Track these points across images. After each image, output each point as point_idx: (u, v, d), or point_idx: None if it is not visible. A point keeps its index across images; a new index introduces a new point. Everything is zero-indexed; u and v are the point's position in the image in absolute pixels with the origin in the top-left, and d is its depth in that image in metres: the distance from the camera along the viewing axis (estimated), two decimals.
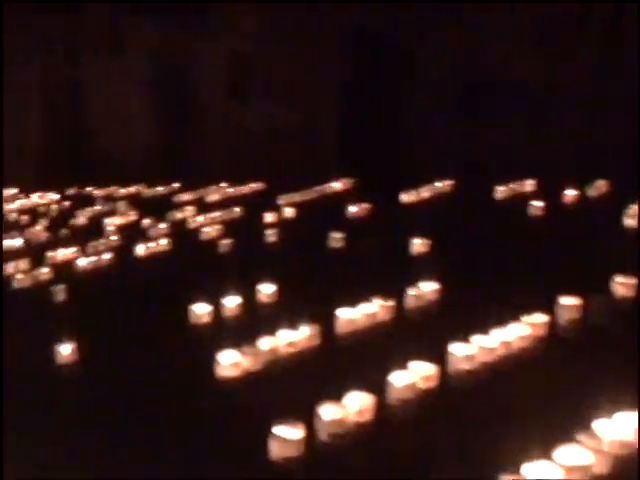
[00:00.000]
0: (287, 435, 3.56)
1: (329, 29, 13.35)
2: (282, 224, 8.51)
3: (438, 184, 9.63)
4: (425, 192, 9.39)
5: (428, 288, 5.53)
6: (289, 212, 9.08)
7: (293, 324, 4.85)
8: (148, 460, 3.67)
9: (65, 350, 5.08)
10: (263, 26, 14.27)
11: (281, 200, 9.73)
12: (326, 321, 4.97)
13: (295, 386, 4.21)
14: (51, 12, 18.95)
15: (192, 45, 15.54)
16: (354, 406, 3.81)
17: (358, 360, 4.46)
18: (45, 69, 19.91)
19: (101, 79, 18.11)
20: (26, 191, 17.21)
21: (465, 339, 4.41)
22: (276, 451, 3.56)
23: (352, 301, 5.20)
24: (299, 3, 13.50)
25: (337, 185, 10.56)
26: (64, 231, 10.25)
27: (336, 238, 7.32)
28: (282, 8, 13.67)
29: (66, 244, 8.95)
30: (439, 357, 4.27)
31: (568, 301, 4.83)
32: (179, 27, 15.66)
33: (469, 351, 4.34)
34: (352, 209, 8.67)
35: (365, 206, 8.70)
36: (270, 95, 14.00)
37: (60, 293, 6.80)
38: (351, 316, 5.07)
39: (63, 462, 3.72)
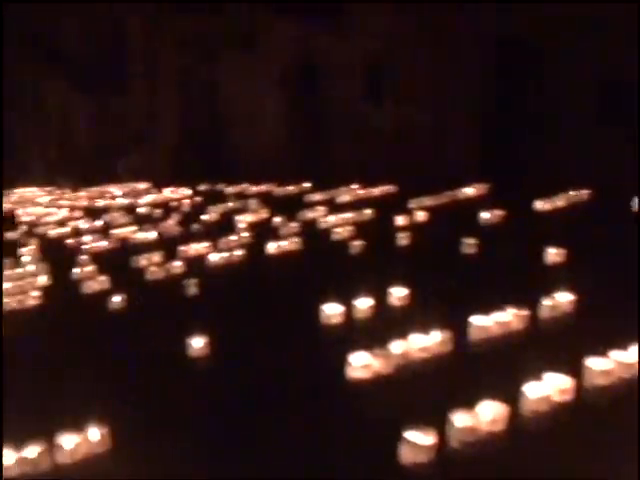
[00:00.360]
0: (418, 440, 3.53)
1: (467, 30, 13.20)
2: (413, 227, 8.45)
3: (574, 193, 9.42)
4: (560, 201, 9.20)
5: (563, 299, 5.41)
6: (421, 216, 9.01)
7: (425, 328, 4.81)
8: (275, 458, 3.68)
9: (197, 343, 5.15)
10: (399, 27, 14.22)
11: (413, 203, 9.67)
12: (459, 327, 4.91)
13: (426, 391, 4.17)
14: (191, 12, 19.37)
15: (327, 45, 15.60)
16: (487, 415, 3.75)
17: (491, 368, 4.38)
18: (182, 68, 20.35)
19: (236, 78, 18.37)
20: (159, 186, 17.63)
21: (602, 353, 4.29)
22: (406, 455, 3.53)
23: (485, 308, 5.13)
24: (438, 3, 13.40)
25: (470, 190, 10.42)
26: (196, 226, 10.42)
27: (469, 244, 7.23)
28: (419, 8, 13.60)
29: (198, 239, 9.10)
30: (574, 370, 4.16)
31: None
32: (314, 27, 15.75)
33: (606, 366, 4.22)
34: (485, 215, 8.55)
35: (499, 213, 8.57)
36: (405, 97, 13.92)
37: (192, 287, 6.92)
38: (484, 323, 4.99)
39: (189, 457, 3.75)
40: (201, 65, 19.82)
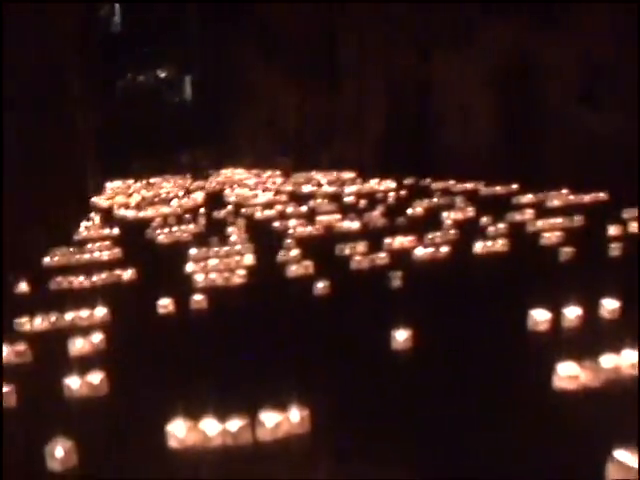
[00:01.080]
0: (627, 460, 3.38)
1: None
2: (627, 239, 8.14)
3: None
4: None
5: None
6: (635, 227, 8.66)
7: (637, 345, 4.61)
8: (473, 464, 3.60)
9: (401, 336, 5.13)
10: (618, 26, 13.73)
11: (626, 214, 9.32)
12: None
13: (636, 409, 3.99)
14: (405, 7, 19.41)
15: (542, 45, 15.28)
16: None
17: None
18: (395, 63, 20.41)
19: (449, 75, 18.29)
20: (364, 176, 17.79)
21: None
22: (613, 475, 3.38)
23: None
24: None
25: None
26: (401, 219, 10.45)
27: None
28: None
29: (403, 232, 9.11)
30: None
31: None
32: (529, 26, 15.46)
33: None
34: None
35: None
36: (623, 102, 13.42)
37: (396, 279, 6.92)
38: None
39: (382, 451, 3.73)
40: (413, 60, 19.83)
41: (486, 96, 16.98)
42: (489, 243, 8.28)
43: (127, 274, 8.10)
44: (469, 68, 17.45)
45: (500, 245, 8.25)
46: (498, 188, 13.19)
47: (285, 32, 26.28)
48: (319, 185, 17.15)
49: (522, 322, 5.38)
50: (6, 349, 5.45)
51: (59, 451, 3.65)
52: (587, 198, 11.27)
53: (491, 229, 9.06)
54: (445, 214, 10.50)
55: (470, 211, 10.78)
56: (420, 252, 8.07)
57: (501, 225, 9.21)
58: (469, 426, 3.96)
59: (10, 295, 7.59)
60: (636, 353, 4.53)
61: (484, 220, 9.68)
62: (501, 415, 4.06)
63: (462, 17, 17.65)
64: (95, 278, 8.00)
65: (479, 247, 8.18)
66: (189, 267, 8.18)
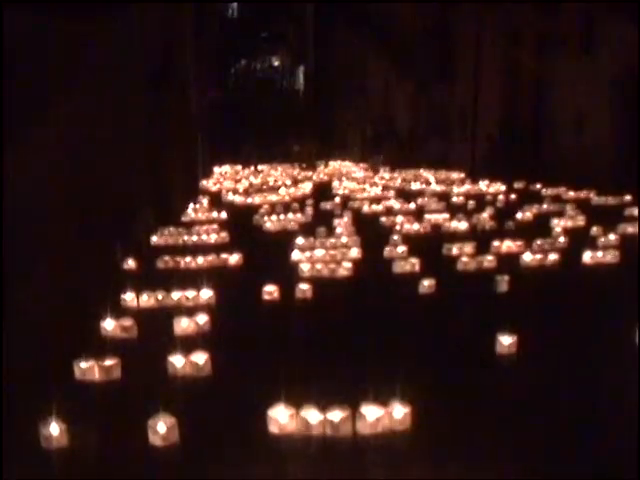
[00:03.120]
0: None
1: None
2: None
3: None
4: None
5: None
6: None
7: None
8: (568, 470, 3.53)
9: (506, 341, 5.06)
10: None
11: None
12: None
13: None
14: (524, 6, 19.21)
15: None
16: None
17: None
18: (510, 62, 20.20)
19: (566, 76, 18.02)
20: (473, 177, 17.66)
21: None
22: None
23: None
24: None
25: None
26: (510, 223, 10.34)
27: None
28: None
29: (512, 236, 9.00)
30: None
31: None
32: None
33: None
34: None
35: None
36: None
37: (503, 283, 6.83)
38: None
39: (482, 453, 3.68)
40: (530, 61, 19.60)
41: (604, 101, 16.68)
42: (599, 254, 8.11)
43: (233, 258, 8.19)
44: (588, 71, 17.16)
45: (610, 257, 8.08)
46: (610, 198, 12.93)
47: (399, 29, 26.27)
48: (427, 183, 17.10)
49: (630, 336, 5.24)
50: (112, 323, 5.56)
51: (161, 426, 3.71)
52: None
53: (602, 240, 8.87)
54: (555, 221, 10.36)
55: (581, 220, 10.60)
56: (528, 258, 7.97)
57: (612, 236, 9.00)
58: (564, 432, 3.88)
59: (117, 271, 7.74)
60: None
61: (595, 230, 9.50)
62: (596, 425, 3.97)
63: (583, 18, 17.36)
64: (201, 260, 8.11)
65: (588, 257, 8.03)
66: (295, 256, 8.24)
